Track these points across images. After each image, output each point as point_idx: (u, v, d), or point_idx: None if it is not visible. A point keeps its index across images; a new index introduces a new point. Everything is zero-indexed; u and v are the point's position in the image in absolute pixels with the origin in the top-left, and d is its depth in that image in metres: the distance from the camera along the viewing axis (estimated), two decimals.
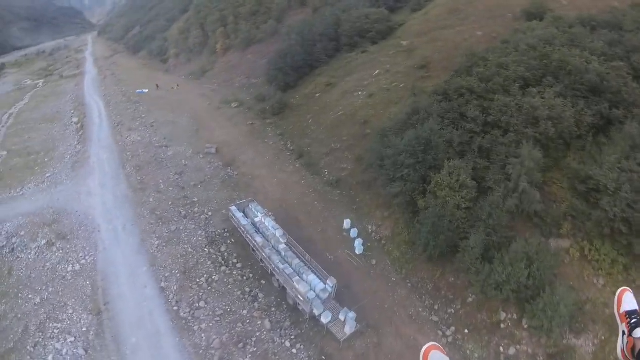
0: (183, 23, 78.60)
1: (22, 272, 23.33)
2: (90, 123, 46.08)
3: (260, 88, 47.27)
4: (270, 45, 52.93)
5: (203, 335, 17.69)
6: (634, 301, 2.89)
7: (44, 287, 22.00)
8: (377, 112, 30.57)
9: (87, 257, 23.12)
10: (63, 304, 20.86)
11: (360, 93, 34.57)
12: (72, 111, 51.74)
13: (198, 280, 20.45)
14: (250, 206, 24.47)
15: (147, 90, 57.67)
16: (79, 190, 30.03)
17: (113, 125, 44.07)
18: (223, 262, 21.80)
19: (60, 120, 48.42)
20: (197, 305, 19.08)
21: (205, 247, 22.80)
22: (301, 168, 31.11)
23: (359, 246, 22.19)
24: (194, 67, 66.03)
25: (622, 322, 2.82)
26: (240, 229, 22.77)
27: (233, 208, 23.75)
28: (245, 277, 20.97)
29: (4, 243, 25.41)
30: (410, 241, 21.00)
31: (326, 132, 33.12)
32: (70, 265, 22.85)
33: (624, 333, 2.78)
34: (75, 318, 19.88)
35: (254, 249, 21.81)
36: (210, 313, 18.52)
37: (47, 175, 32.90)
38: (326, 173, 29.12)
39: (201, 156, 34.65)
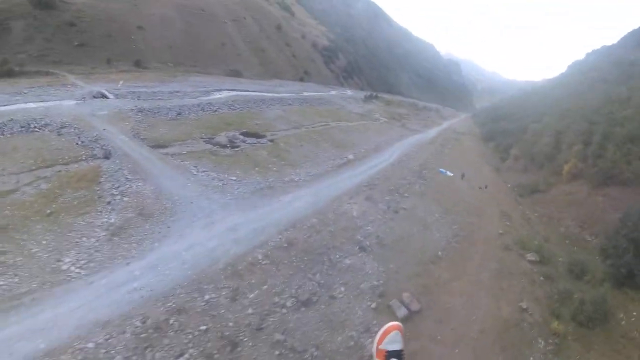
0: (541, 125, 60.80)
1: None
2: (353, 167, 38.24)
3: (590, 254, 24.44)
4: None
5: None
6: (401, 342, 2.65)
7: None
8: None
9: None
10: None
11: None
12: (362, 150, 46.63)
13: None
14: None
15: (451, 174, 45.17)
16: (215, 202, 20.81)
17: (364, 183, 33.69)
18: None
19: (343, 150, 43.96)
20: None
21: None
22: None
23: None
24: (526, 178, 48.87)
25: (377, 359, 2.64)
26: None
27: None
28: None
29: None
30: None
31: None
32: None
33: None
34: None
35: None
36: None
37: (238, 171, 26.56)
38: None
39: (373, 305, 17.19)
